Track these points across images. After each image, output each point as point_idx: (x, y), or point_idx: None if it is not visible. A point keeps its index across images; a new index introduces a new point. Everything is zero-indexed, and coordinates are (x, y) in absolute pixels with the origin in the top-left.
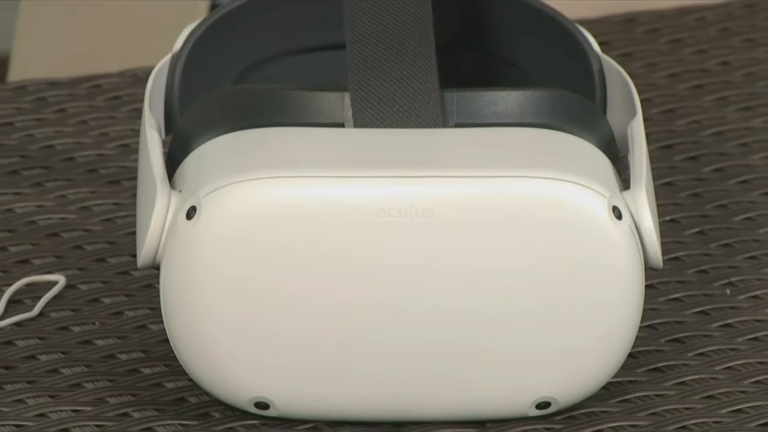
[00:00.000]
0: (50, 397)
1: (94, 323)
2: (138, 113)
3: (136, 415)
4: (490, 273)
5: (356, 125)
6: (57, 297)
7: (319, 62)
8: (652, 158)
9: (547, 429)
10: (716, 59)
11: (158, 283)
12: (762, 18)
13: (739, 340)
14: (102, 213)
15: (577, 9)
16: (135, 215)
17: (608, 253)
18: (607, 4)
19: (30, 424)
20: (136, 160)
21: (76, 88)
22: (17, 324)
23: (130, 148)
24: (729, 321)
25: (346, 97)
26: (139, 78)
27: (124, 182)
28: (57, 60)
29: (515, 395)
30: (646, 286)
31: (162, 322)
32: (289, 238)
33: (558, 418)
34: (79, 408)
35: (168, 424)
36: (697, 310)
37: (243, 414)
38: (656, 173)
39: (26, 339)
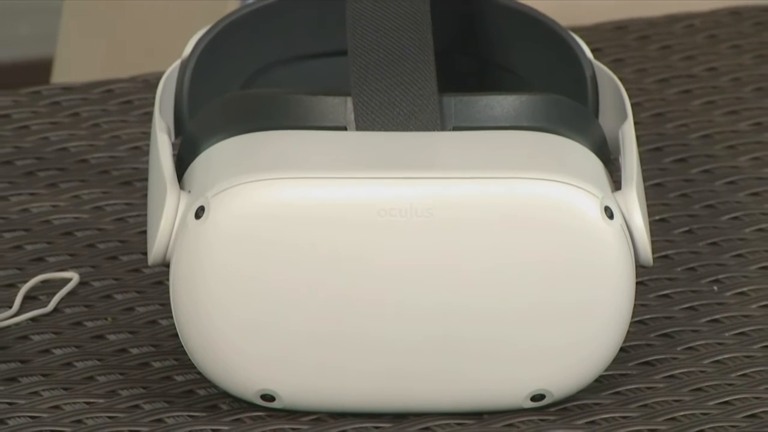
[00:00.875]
0: (64, 389)
1: (106, 319)
2: (149, 117)
3: (147, 406)
4: (487, 271)
5: (358, 128)
6: (71, 293)
7: (323, 68)
8: (643, 160)
9: (542, 420)
10: (704, 65)
11: (168, 280)
12: (748, 25)
13: (726, 334)
14: (114, 213)
15: (571, 17)
16: (146, 215)
17: (600, 252)
18: (599, 12)
19: (45, 415)
20: (147, 162)
21: (89, 93)
22: (33, 319)
23: (142, 150)
24: (716, 316)
25: (349, 102)
26: (149, 83)
27: (135, 183)
28: (98, 62)
29: (511, 388)
30: (637, 283)
31: (172, 317)
32: (294, 236)
33: (552, 409)
34: (92, 400)
35: (177, 416)
36: (686, 306)
37: (250, 406)
38: (646, 174)
39: (41, 334)
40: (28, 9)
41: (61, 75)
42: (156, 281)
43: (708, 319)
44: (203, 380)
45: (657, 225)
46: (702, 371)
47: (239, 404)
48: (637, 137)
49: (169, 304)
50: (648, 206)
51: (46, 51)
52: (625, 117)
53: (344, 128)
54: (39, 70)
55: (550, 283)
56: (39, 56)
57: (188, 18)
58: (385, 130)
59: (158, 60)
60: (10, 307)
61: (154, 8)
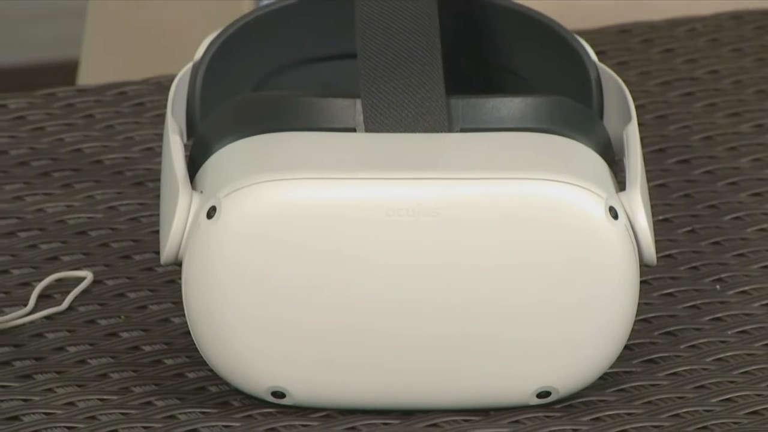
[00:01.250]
0: (78, 386)
1: (119, 317)
2: (161, 119)
3: (160, 403)
4: (493, 270)
5: (367, 130)
6: (85, 292)
7: (332, 71)
8: (646, 161)
9: (548, 417)
10: (706, 68)
11: (180, 278)
12: (749, 29)
13: (729, 332)
14: (127, 213)
15: (575, 20)
16: (158, 215)
17: (605, 251)
18: (603, 16)
19: (59, 412)
20: (159, 163)
21: (103, 95)
22: (47, 317)
23: (154, 151)
24: (719, 315)
25: (358, 104)
26: (162, 85)
27: (148, 183)
28: (123, 63)
29: (517, 385)
30: (641, 282)
31: (184, 315)
32: (304, 236)
33: (558, 406)
34: (105, 397)
35: (189, 412)
36: (689, 304)
37: (260, 402)
38: (650, 175)
39: (56, 331)
40: (50, 12)
41: (86, 78)
42: (168, 280)
43: (710, 317)
44: (215, 377)
45: (660, 225)
46: (705, 369)
47: (250, 401)
48: (641, 138)
49: (181, 303)
50: (651, 206)
51: (68, 54)
52: (629, 119)
53: (353, 130)
54: (60, 72)
55: (555, 282)
56: (60, 59)
57: (205, 21)
58: (394, 131)
59: (178, 62)
60: (25, 305)
61: (177, 11)
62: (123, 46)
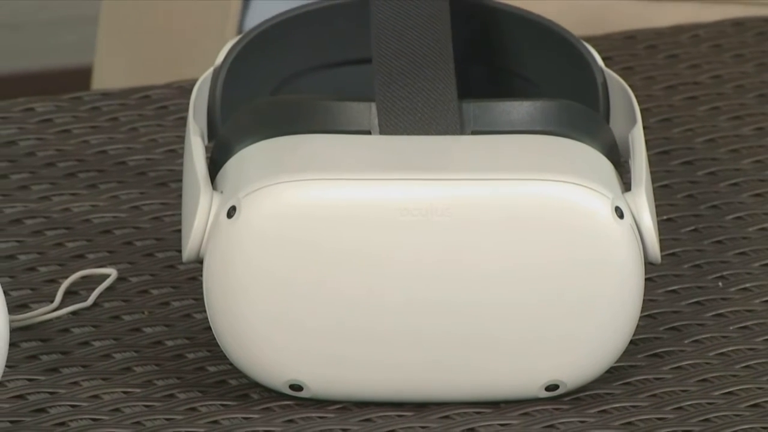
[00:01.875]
0: (103, 379)
1: (143, 312)
2: (183, 121)
3: (182, 396)
4: (503, 267)
5: (382, 132)
6: (109, 288)
7: (348, 75)
8: (651, 163)
9: (556, 409)
10: (709, 73)
11: (202, 276)
12: (750, 35)
13: (731, 328)
14: (151, 212)
15: (582, 27)
16: (181, 214)
17: (611, 250)
18: (609, 22)
19: (84, 404)
20: (181, 164)
21: (128, 99)
22: (73, 313)
23: (177, 153)
24: (721, 311)
25: (373, 107)
26: (184, 89)
27: (171, 184)
28: (136, 67)
29: (526, 379)
30: (646, 279)
31: (205, 311)
32: (320, 235)
33: (566, 399)
34: (129, 390)
35: (210, 404)
36: (692, 301)
37: (279, 395)
38: (654, 176)
39: (81, 327)
40: (72, 18)
41: (100, 82)
42: (190, 277)
43: (713, 313)
44: (235, 371)
45: (664, 224)
46: (708, 363)
47: (269, 394)
48: (646, 141)
49: (202, 299)
50: (656, 206)
51: (90, 59)
52: (634, 122)
53: (368, 132)
54: (82, 77)
55: (563, 280)
56: (82, 64)
57: (221, 26)
58: (408, 134)
59: (195, 66)
60: (52, 302)
61: (188, 16)
62: (138, 50)
